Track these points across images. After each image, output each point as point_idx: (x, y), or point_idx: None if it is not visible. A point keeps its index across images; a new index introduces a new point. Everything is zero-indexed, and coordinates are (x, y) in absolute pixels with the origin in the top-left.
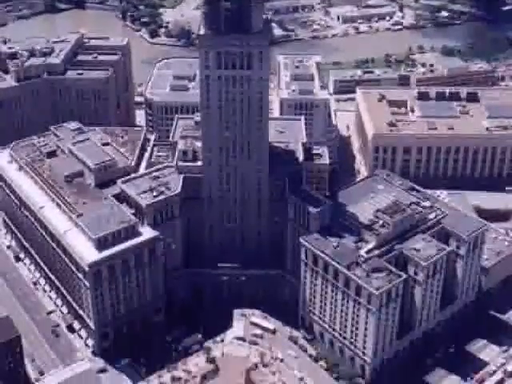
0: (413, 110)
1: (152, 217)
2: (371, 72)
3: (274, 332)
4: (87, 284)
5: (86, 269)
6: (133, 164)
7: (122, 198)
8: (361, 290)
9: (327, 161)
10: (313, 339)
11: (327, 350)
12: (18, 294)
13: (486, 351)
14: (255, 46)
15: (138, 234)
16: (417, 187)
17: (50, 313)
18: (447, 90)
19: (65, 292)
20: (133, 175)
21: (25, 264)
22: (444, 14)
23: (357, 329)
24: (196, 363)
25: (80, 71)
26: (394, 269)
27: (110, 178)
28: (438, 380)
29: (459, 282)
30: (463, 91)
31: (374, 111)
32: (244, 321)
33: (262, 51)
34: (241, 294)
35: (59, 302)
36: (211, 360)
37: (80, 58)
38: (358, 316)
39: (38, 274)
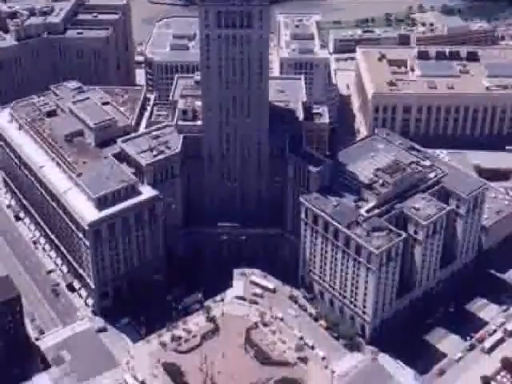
0: (413, 70)
1: (152, 176)
2: (371, 31)
3: (273, 291)
4: (87, 243)
5: (86, 228)
6: (133, 123)
7: (121, 157)
8: (361, 249)
9: (327, 120)
10: (313, 298)
11: (327, 309)
12: (18, 253)
13: (486, 310)
14: (255, 5)
15: (138, 193)
16: (417, 146)
17: (49, 272)
18: (447, 49)
19: (65, 251)
20: (133, 134)
21: (25, 223)
22: None
23: (357, 288)
24: (196, 322)
25: (80, 30)
26: (393, 228)
27: (109, 138)
28: (437, 339)
29: (459, 242)
30: (463, 50)
31: (374, 70)
32: (244, 280)
33: (262, 10)
34: (241, 253)
35: (59, 261)
36: (211, 319)
37: (80, 17)
38: (357, 275)
39: (37, 234)
